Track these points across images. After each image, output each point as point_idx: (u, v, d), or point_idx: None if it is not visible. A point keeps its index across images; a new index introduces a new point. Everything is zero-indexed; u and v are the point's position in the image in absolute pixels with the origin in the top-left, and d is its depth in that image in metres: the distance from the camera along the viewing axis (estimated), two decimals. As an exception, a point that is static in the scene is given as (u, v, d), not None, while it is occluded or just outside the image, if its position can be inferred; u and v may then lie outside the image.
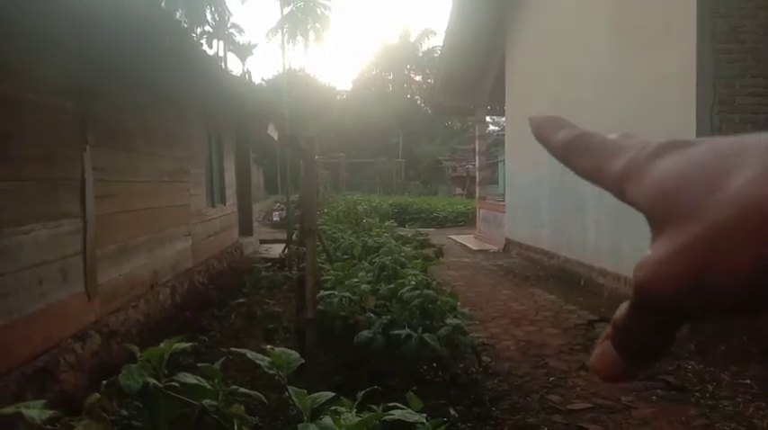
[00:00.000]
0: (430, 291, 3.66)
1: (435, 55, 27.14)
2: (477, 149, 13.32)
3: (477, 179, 13.40)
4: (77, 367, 3.76)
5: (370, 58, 42.97)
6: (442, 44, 12.30)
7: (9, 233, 3.24)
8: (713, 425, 3.54)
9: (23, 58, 3.48)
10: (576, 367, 4.56)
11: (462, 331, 3.65)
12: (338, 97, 40.54)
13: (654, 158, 0.26)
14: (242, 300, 4.54)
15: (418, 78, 41.22)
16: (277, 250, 9.59)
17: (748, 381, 4.20)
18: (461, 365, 4.34)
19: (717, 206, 0.22)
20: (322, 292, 3.72)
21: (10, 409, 1.50)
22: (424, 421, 1.79)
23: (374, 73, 41.34)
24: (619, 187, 0.27)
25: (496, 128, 23.50)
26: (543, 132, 0.32)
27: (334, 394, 1.69)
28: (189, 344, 1.78)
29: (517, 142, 10.86)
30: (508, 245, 11.18)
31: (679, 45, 5.55)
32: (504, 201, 11.78)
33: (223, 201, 8.77)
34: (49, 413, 1.43)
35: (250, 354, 1.68)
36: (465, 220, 17.50)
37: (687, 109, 5.40)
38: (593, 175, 0.29)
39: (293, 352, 1.71)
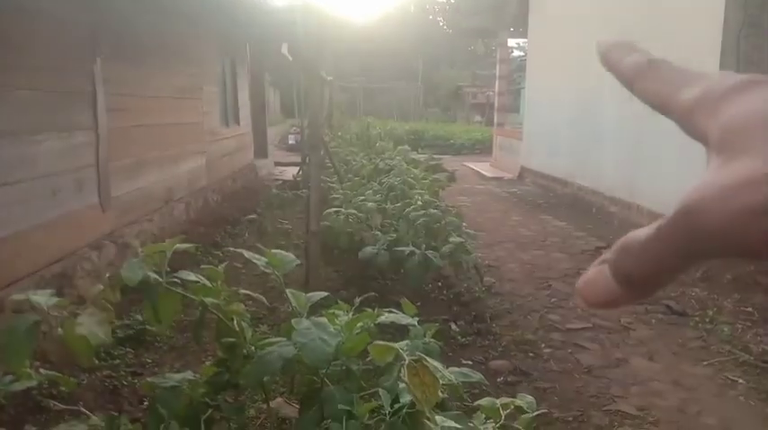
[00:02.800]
0: (435, 211, 3.69)
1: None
2: (498, 74, 12.97)
3: (496, 105, 13.14)
4: (93, 275, 3.91)
5: (392, -23, 41.07)
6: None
7: (23, 141, 3.30)
8: (708, 347, 3.63)
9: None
10: (579, 290, 4.64)
11: (465, 250, 3.71)
12: (358, 21, 39.12)
13: (735, 92, 0.25)
14: (254, 217, 4.63)
15: (441, -2, 39.49)
16: (292, 173, 9.65)
17: (750, 309, 4.25)
18: (465, 285, 4.44)
19: None
20: (329, 210, 3.77)
21: (21, 296, 1.59)
22: (416, 324, 1.86)
23: (395, -7, 39.65)
24: (688, 115, 0.26)
25: (521, 53, 22.65)
26: (612, 55, 0.31)
27: (327, 293, 1.76)
28: (191, 245, 1.84)
29: (539, 68, 10.54)
30: (523, 172, 11.10)
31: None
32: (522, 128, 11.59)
33: (237, 121, 8.75)
34: (55, 299, 1.52)
35: (247, 254, 1.74)
36: (482, 148, 17.32)
37: (713, 32, 5.16)
38: (662, 101, 0.28)
39: (290, 254, 1.77)
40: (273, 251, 1.73)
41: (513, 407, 1.31)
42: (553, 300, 4.41)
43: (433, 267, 3.42)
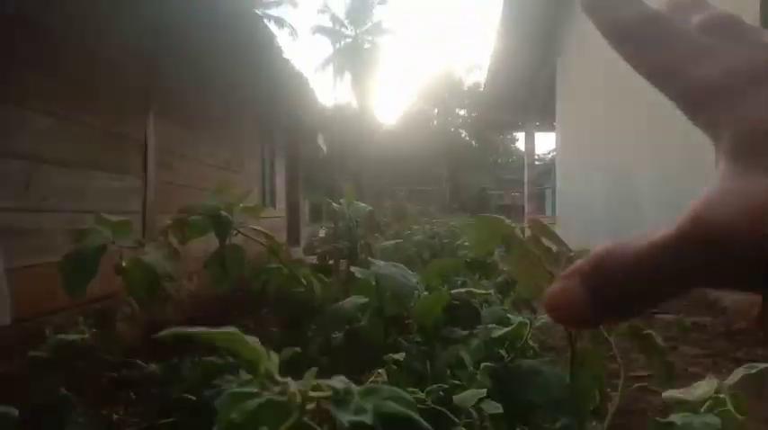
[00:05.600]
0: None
1: (480, 89, 27.40)
2: (526, 179, 13.21)
3: (526, 194, 13.26)
4: (130, 320, 3.79)
5: (416, 93, 43.50)
6: (491, 52, 12.28)
7: (75, 174, 3.34)
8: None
9: (103, 17, 3.66)
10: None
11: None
12: (383, 129, 41.07)
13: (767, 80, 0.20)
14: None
15: (463, 113, 41.43)
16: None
17: None
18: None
19: None
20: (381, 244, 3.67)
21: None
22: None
23: (418, 107, 41.84)
24: (697, 98, 0.21)
25: (540, 163, 23.64)
26: (599, 5, 0.25)
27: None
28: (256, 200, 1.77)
29: (569, 159, 10.70)
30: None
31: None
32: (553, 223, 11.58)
33: (273, 204, 8.88)
34: (121, 218, 1.43)
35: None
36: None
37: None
38: (665, 72, 0.22)
39: (360, 203, 1.68)
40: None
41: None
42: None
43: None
